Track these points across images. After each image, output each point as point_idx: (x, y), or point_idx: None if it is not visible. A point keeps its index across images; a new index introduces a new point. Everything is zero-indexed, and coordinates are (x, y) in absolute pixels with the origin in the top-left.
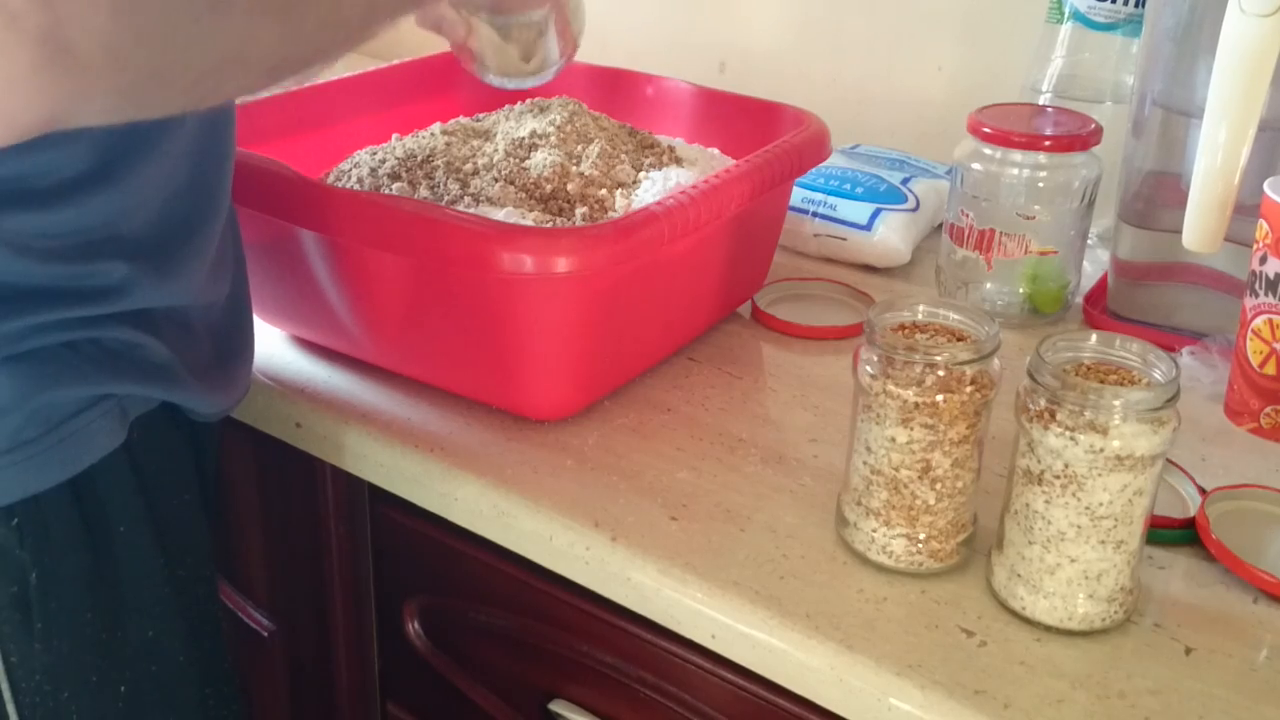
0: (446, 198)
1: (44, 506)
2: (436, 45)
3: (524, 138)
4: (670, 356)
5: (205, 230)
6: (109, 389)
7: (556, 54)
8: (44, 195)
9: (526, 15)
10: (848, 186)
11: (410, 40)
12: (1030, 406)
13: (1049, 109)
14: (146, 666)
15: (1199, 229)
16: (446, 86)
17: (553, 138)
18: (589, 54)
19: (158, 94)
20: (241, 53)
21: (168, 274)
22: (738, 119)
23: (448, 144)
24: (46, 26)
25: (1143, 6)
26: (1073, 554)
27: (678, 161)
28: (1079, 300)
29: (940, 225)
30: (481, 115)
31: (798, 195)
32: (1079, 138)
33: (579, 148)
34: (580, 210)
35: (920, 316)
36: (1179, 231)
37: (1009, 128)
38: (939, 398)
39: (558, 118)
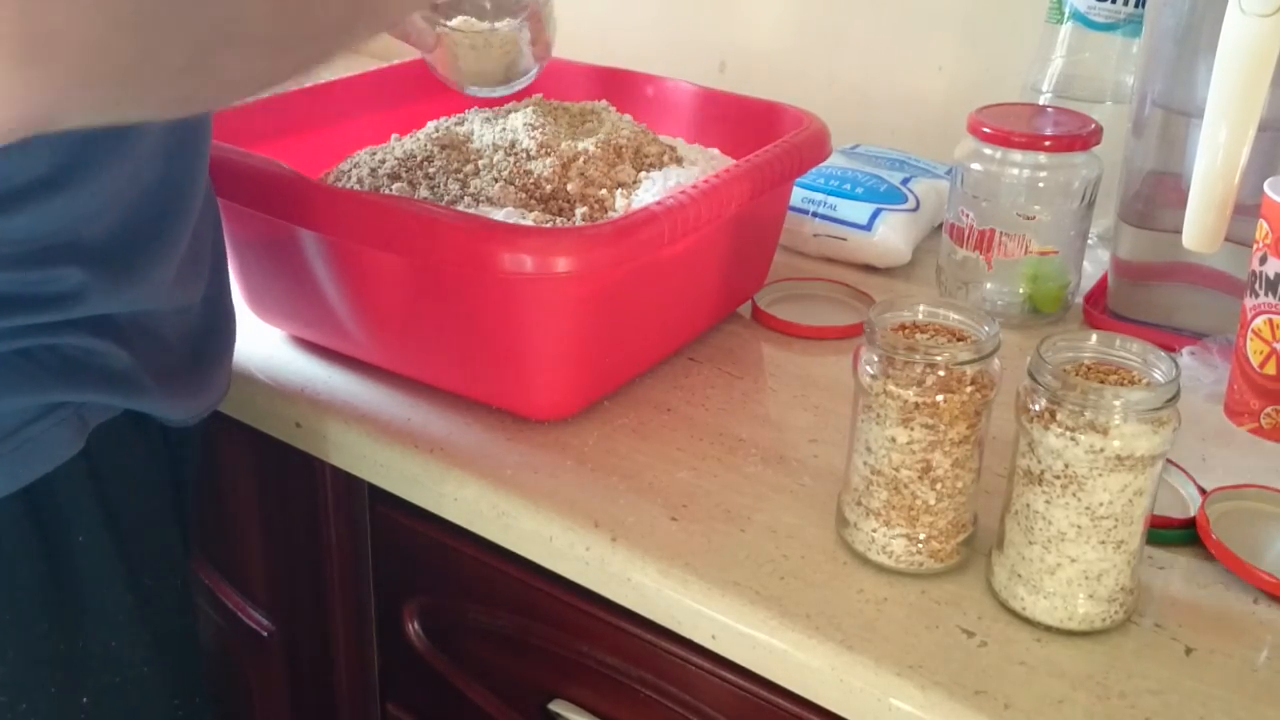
0: (446, 198)
1: None
2: None
3: (520, 134)
4: (670, 356)
5: (172, 234)
6: (66, 397)
7: (531, 62)
8: None
9: (502, 25)
10: (848, 186)
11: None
12: (1030, 406)
13: (1049, 109)
14: (110, 677)
15: (1199, 229)
16: (446, 87)
17: (547, 128)
18: (589, 54)
19: (148, 82)
20: (232, 27)
21: (127, 280)
22: (738, 119)
23: (443, 146)
24: (17, 15)
25: (1143, 6)
26: (1073, 554)
27: (678, 161)
28: (1079, 300)
29: (940, 225)
30: (462, 116)
31: (798, 195)
32: (1079, 138)
33: (577, 144)
34: (580, 210)
35: (920, 316)
36: (1179, 231)
37: (1009, 128)
38: (939, 398)
39: (535, 114)
